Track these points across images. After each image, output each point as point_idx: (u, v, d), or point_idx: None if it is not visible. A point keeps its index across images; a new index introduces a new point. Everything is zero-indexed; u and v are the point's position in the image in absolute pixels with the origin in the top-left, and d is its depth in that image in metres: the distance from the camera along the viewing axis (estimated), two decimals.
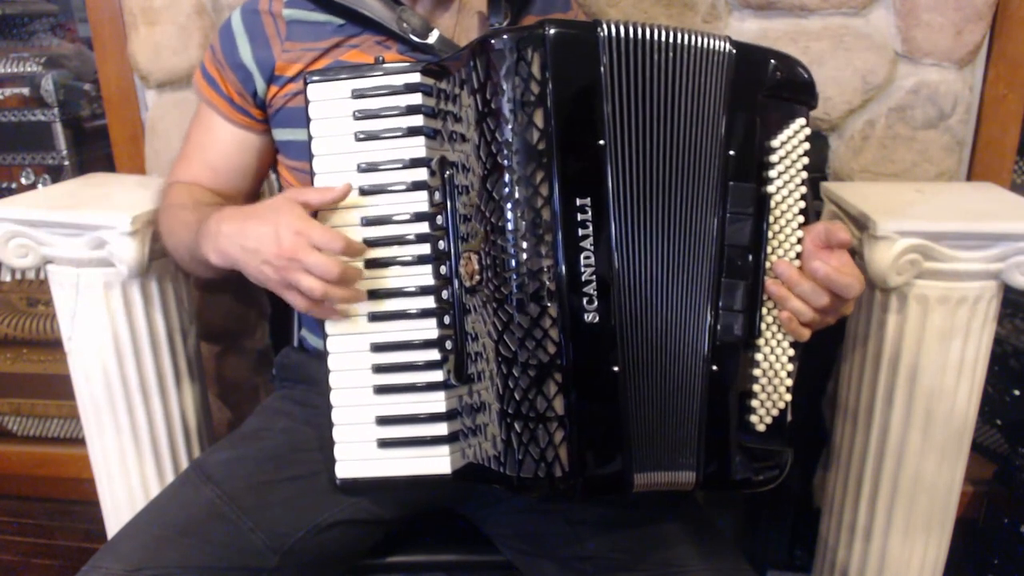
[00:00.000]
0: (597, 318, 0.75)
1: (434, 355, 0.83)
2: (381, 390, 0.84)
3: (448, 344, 0.83)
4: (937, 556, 1.26)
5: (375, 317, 0.84)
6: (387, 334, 0.84)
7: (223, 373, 1.66)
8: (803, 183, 0.80)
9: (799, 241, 0.80)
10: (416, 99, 0.82)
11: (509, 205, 0.75)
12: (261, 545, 0.86)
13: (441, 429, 0.84)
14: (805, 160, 0.80)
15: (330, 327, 0.84)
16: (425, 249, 0.83)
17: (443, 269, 0.82)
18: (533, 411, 0.76)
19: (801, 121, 0.80)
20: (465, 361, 0.83)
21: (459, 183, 0.81)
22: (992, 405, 1.62)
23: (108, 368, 1.23)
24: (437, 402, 0.84)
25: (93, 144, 1.81)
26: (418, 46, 0.95)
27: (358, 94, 0.83)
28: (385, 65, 0.83)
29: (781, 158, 0.80)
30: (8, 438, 1.96)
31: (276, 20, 0.99)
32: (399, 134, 0.82)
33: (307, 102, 0.84)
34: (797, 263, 0.80)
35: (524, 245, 0.74)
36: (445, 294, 0.83)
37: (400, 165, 0.83)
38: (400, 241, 0.83)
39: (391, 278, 0.83)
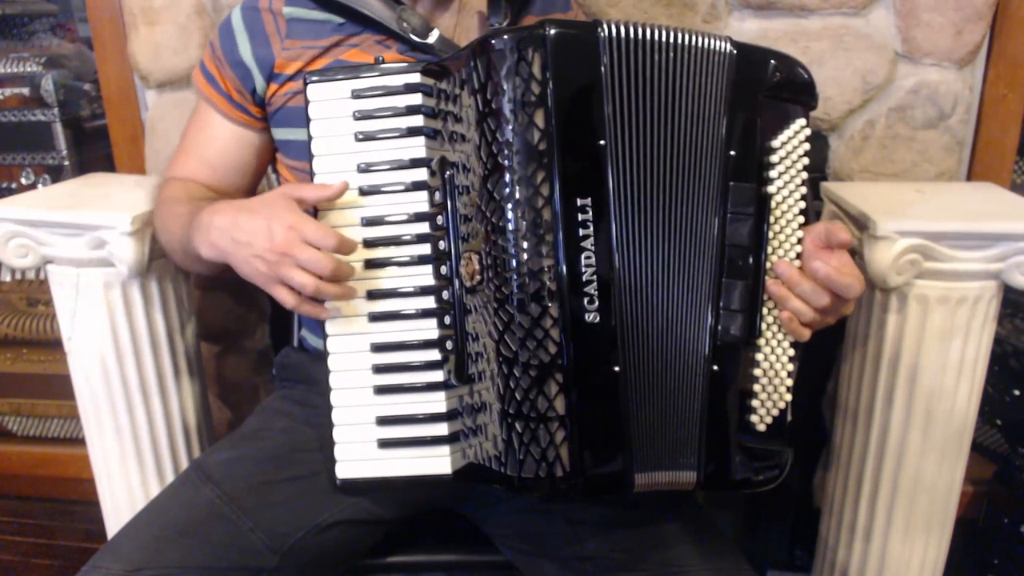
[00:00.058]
0: (598, 318, 0.75)
1: (434, 355, 0.83)
2: (381, 390, 0.84)
3: (449, 344, 0.83)
4: (937, 556, 1.26)
5: (375, 317, 0.83)
6: (387, 334, 0.84)
7: (223, 373, 1.66)
8: (803, 183, 0.80)
9: (799, 241, 0.80)
10: (416, 99, 0.82)
11: (510, 205, 0.75)
12: (261, 545, 0.86)
13: (441, 429, 0.84)
14: (805, 160, 0.80)
15: (330, 327, 0.84)
16: (425, 249, 0.83)
17: (443, 269, 0.82)
18: (534, 411, 0.76)
19: (801, 121, 0.80)
20: (466, 361, 0.83)
21: (459, 183, 0.81)
22: (992, 405, 1.62)
23: (108, 368, 1.23)
24: (437, 402, 0.84)
25: (93, 144, 1.81)
26: (418, 46, 0.95)
27: (358, 94, 0.83)
28: (385, 65, 0.83)
29: (781, 158, 0.80)
30: (8, 438, 1.96)
31: (276, 18, 0.99)
32: (399, 134, 0.82)
33: (307, 102, 0.84)
34: (797, 263, 0.80)
35: (525, 245, 0.74)
36: (445, 294, 0.83)
37: (400, 165, 0.83)
38: (400, 241, 0.83)
39: (391, 278, 0.83)
